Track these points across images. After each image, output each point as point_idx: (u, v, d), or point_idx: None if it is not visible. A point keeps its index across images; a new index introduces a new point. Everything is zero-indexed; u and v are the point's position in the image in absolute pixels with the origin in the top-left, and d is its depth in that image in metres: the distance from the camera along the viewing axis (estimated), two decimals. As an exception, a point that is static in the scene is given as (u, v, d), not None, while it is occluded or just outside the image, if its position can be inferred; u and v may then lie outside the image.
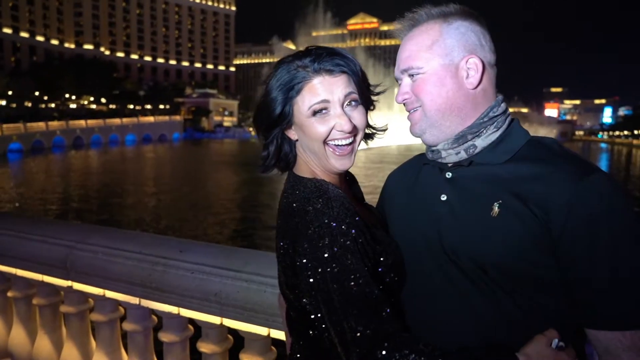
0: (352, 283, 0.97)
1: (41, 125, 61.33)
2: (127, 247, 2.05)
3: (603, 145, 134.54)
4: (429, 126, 1.15)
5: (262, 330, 1.77)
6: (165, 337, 2.07)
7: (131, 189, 26.36)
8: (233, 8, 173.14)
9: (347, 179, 1.31)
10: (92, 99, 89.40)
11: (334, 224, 1.02)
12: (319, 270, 0.99)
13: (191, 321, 2.06)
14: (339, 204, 1.06)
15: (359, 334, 0.94)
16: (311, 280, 1.00)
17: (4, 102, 70.77)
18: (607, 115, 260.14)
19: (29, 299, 2.58)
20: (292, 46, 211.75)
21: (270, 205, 18.91)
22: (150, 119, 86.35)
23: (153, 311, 2.14)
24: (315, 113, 1.11)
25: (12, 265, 2.40)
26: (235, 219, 17.83)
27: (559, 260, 0.99)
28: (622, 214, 0.97)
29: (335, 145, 1.14)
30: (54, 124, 64.83)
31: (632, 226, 0.97)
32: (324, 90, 1.10)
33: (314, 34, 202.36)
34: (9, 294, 2.60)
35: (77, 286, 2.23)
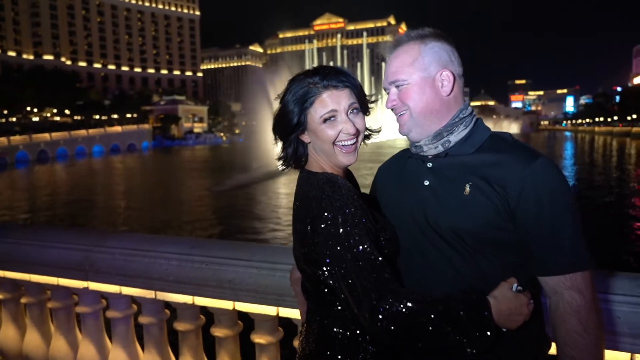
0: (362, 253, 1.22)
1: (2, 140, 59.60)
2: (142, 247, 2.26)
3: (567, 133, 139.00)
4: (414, 126, 1.43)
5: (272, 310, 2.02)
6: (180, 326, 2.29)
7: (100, 202, 25.98)
8: (197, 13, 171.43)
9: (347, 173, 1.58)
10: (55, 111, 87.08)
11: (345, 207, 1.27)
12: (336, 244, 1.24)
13: (203, 310, 2.29)
14: (346, 191, 1.32)
15: (370, 293, 1.19)
16: (328, 252, 1.25)
17: (-39, 118, 68.44)
18: (569, 105, 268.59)
19: (43, 303, 2.76)
20: (258, 49, 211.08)
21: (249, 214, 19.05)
22: (118, 128, 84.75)
23: (166, 305, 2.36)
24: (325, 120, 1.37)
25: (29, 271, 2.57)
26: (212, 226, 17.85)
27: (516, 225, 1.27)
28: (560, 189, 1.26)
29: (342, 145, 1.40)
30: (16, 139, 63.05)
31: (566, 198, 1.26)
32: (332, 102, 1.36)
33: (281, 35, 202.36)
34: (23, 300, 2.77)
35: (93, 286, 2.42)
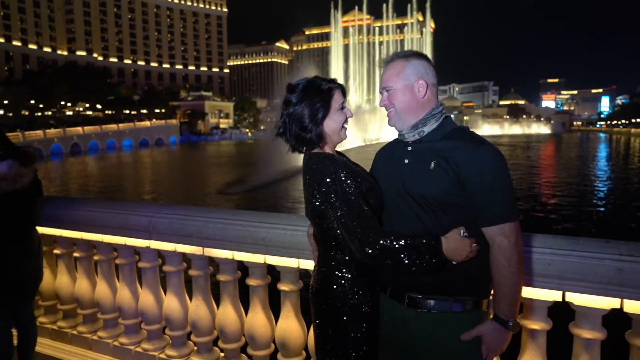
0: (353, 203, 1.79)
1: (39, 133, 62.09)
2: (195, 214, 2.89)
3: (602, 135, 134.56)
4: (398, 119, 2.00)
5: (294, 262, 2.61)
6: (222, 277, 2.91)
7: (130, 191, 27.15)
8: (225, 9, 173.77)
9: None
10: (87, 105, 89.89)
11: (339, 173, 1.84)
12: (334, 198, 1.81)
13: (240, 266, 2.90)
14: (340, 162, 1.90)
15: (359, 229, 1.75)
16: (329, 204, 1.83)
17: (0, 112, 71.29)
18: (604, 105, 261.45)
19: (111, 260, 3.43)
20: (285, 45, 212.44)
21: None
22: (147, 123, 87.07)
23: (211, 260, 2.98)
24: (340, 109, 1.98)
25: (103, 232, 3.23)
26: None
27: (466, 192, 1.79)
28: (495, 167, 1.78)
29: (344, 126, 2.02)
30: (52, 132, 65.60)
31: (499, 173, 1.78)
32: (341, 97, 1.98)
33: (307, 32, 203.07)
34: (95, 257, 3.44)
35: (154, 245, 3.06)
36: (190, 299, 3.14)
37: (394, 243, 1.70)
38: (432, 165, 1.84)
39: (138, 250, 3.23)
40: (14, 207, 2.92)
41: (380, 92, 2.06)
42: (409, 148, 1.99)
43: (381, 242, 1.71)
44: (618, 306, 1.90)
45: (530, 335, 2.16)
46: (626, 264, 1.82)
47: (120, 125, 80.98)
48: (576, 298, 1.98)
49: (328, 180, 1.83)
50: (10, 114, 70.90)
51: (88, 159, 57.41)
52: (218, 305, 3.04)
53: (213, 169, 38.71)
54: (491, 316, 1.83)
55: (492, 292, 1.89)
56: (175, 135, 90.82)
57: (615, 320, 2.03)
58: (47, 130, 64.83)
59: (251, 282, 2.83)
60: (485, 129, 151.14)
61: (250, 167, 32.24)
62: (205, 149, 73.17)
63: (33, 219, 3.16)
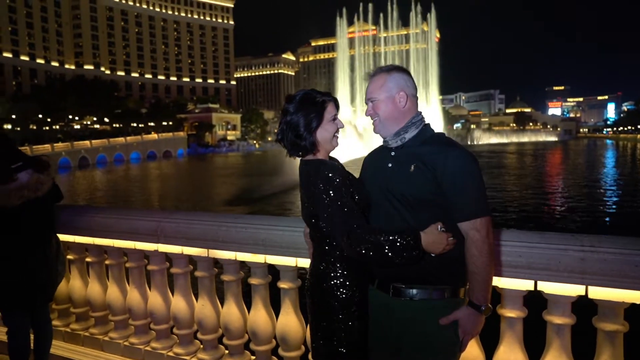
0: (341, 203, 1.99)
1: (47, 147, 62.81)
2: (200, 218, 3.11)
3: (608, 141, 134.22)
4: (382, 127, 2.21)
5: (292, 261, 2.82)
6: (226, 277, 3.12)
7: (139, 202, 27.50)
8: (231, 22, 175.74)
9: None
10: (95, 118, 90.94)
11: (331, 177, 2.04)
12: (325, 199, 2.01)
13: (243, 266, 3.10)
14: (332, 166, 2.10)
15: (347, 227, 1.95)
16: (321, 205, 2.03)
17: (9, 126, 72.31)
18: (610, 111, 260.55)
19: (121, 265, 3.64)
20: (291, 57, 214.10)
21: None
22: (154, 136, 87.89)
23: (215, 262, 3.19)
24: (332, 120, 2.18)
25: (115, 237, 3.45)
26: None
27: (442, 191, 1.99)
28: (467, 168, 1.97)
29: (336, 135, 2.21)
30: (59, 146, 66.43)
31: (471, 174, 1.97)
32: (334, 109, 2.19)
33: (313, 43, 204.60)
34: (106, 262, 3.66)
35: (162, 248, 3.28)
36: (197, 299, 3.35)
37: (379, 238, 1.90)
38: (412, 168, 2.05)
39: (147, 254, 3.44)
40: (35, 213, 3.15)
41: (366, 103, 2.28)
42: (392, 153, 2.20)
43: (367, 238, 1.91)
44: (583, 293, 2.09)
45: (507, 324, 2.34)
46: (587, 254, 2.01)
47: (128, 138, 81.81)
48: (546, 287, 2.16)
49: (320, 183, 2.03)
50: (19, 128, 71.87)
51: (96, 172, 58.02)
52: (222, 304, 3.24)
53: (221, 180, 39.11)
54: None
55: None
56: (183, 148, 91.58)
57: (584, 306, 2.21)
58: (55, 144, 65.70)
59: (253, 281, 3.03)
60: (491, 137, 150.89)
61: (257, 178, 32.57)
62: (212, 160, 73.74)
63: (53, 224, 3.39)
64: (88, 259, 3.81)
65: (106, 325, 3.82)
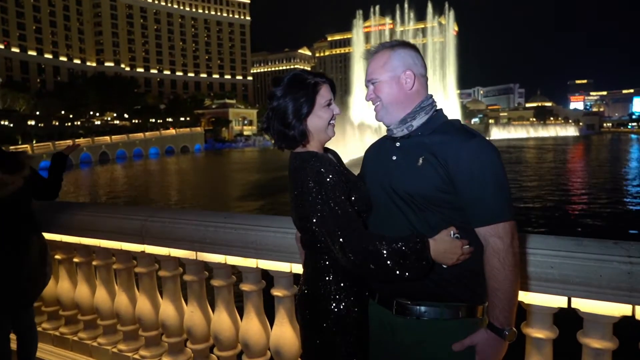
0: (336, 204, 1.67)
1: (68, 142, 63.36)
2: (187, 217, 2.81)
3: (633, 136, 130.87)
4: (385, 113, 1.87)
5: (286, 267, 2.50)
6: (216, 282, 2.81)
7: (155, 198, 27.60)
8: (248, 18, 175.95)
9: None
10: (115, 114, 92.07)
11: (323, 173, 1.72)
12: (317, 199, 1.69)
13: (234, 270, 2.80)
14: (325, 160, 1.78)
15: (341, 233, 1.63)
16: (312, 206, 1.70)
17: (32, 122, 73.52)
18: (636, 105, 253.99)
19: (109, 265, 3.37)
20: (307, 52, 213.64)
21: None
22: (172, 131, 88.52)
23: (205, 265, 2.89)
24: (326, 105, 1.86)
25: (98, 237, 3.19)
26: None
27: (455, 189, 1.65)
28: (486, 160, 1.63)
29: (332, 123, 1.90)
30: (81, 141, 67.09)
31: (491, 167, 1.62)
32: (329, 93, 1.87)
33: (329, 38, 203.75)
34: (94, 263, 3.40)
35: (149, 249, 2.99)
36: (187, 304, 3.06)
37: (378, 247, 1.57)
38: (420, 161, 1.71)
39: (134, 255, 3.17)
40: (6, 214, 2.89)
41: (366, 86, 1.94)
42: (397, 144, 1.86)
43: (364, 246, 1.58)
44: (630, 313, 1.72)
45: (534, 345, 1.98)
46: (637, 267, 1.64)
47: (147, 133, 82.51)
48: (583, 304, 1.80)
49: (310, 180, 1.72)
50: (42, 125, 73.01)
51: (116, 166, 58.69)
52: (214, 311, 2.95)
53: (237, 175, 39.00)
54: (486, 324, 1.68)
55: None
56: (200, 143, 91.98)
57: (628, 328, 1.84)
58: (77, 140, 66.37)
59: (245, 287, 2.73)
60: (510, 132, 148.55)
61: (272, 173, 32.40)
62: (229, 155, 73.94)
63: (33, 224, 3.13)
64: (76, 259, 3.55)
65: (95, 329, 3.56)
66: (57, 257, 3.64)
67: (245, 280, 2.74)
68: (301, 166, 1.79)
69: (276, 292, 2.63)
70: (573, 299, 1.85)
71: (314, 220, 1.71)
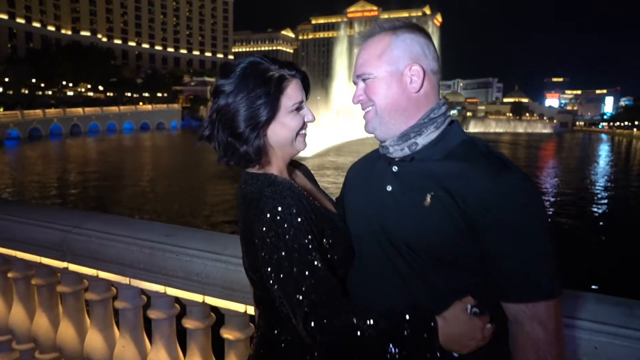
0: (300, 257, 1.14)
1: (38, 112, 61.21)
2: (118, 232, 2.22)
3: (604, 136, 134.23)
4: (379, 124, 1.33)
5: (240, 307, 1.95)
6: (153, 314, 2.25)
7: (127, 175, 26.62)
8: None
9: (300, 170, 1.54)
10: (89, 86, 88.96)
11: (283, 209, 1.18)
12: (274, 247, 1.16)
13: (178, 299, 2.24)
14: (286, 189, 1.23)
15: (305, 300, 1.11)
16: (267, 255, 1.17)
17: (0, 89, 70.38)
18: (608, 106, 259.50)
19: (28, 279, 2.76)
20: (290, 34, 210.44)
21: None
22: (148, 107, 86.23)
23: (143, 290, 2.32)
24: (295, 109, 1.34)
25: (12, 247, 2.57)
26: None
27: (476, 244, 1.15)
28: (528, 205, 1.12)
29: (302, 133, 1.38)
30: (52, 112, 64.73)
31: (535, 216, 1.12)
32: (299, 92, 1.35)
33: (313, 21, 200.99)
34: (10, 274, 2.78)
35: (73, 267, 2.40)
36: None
37: (359, 326, 1.08)
38: (428, 199, 1.19)
39: (56, 271, 2.57)
40: None
41: (354, 82, 1.39)
42: (394, 168, 1.31)
43: (338, 324, 1.09)
44: None
45: None
46: None
47: (122, 107, 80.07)
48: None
49: (264, 221, 1.18)
50: (11, 92, 69.90)
51: (88, 140, 56.78)
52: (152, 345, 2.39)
53: (213, 154, 37.97)
54: None
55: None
56: (177, 120, 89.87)
57: None
58: (47, 110, 63.86)
59: (188, 324, 2.17)
60: (486, 127, 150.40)
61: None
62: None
63: None
64: (-9, 268, 2.93)
65: (10, 353, 2.96)
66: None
67: (189, 314, 2.18)
68: (254, 196, 1.25)
69: (226, 335, 2.08)
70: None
71: (270, 282, 1.18)
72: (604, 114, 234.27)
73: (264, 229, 1.18)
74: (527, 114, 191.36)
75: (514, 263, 1.12)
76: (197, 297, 2.05)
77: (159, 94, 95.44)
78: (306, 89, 1.40)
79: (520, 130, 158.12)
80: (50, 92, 79.73)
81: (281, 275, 1.15)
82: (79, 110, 70.10)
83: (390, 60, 1.28)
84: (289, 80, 1.32)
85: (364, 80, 1.33)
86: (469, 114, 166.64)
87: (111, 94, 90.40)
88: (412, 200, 1.22)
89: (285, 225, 1.16)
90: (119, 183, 24.38)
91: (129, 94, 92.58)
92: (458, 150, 1.25)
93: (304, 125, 1.38)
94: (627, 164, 46.90)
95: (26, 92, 73.95)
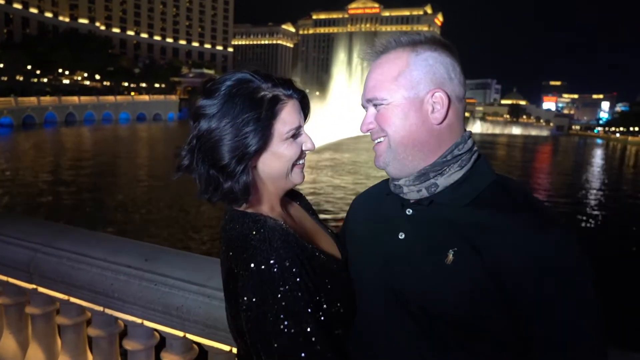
0: (290, 326, 0.96)
1: (33, 100, 60.54)
2: (92, 254, 2.00)
3: (599, 140, 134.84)
4: (392, 159, 1.10)
5: (225, 347, 1.74)
6: (129, 345, 2.03)
7: (122, 167, 26.30)
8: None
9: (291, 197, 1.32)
10: (86, 75, 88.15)
11: (273, 264, 1.00)
12: (259, 315, 0.97)
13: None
14: (277, 238, 1.04)
15: None
16: (252, 320, 0.99)
17: (-6, 74, 69.60)
18: (604, 111, 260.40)
19: (-5, 297, 2.53)
20: (291, 28, 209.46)
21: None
22: (145, 97, 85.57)
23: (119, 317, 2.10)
24: (290, 137, 1.15)
25: (-23, 264, 2.34)
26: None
27: (509, 313, 0.96)
28: (575, 270, 0.94)
29: (300, 163, 1.19)
30: (46, 100, 64.04)
31: (583, 283, 0.94)
32: (297, 115, 1.16)
33: (314, 16, 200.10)
34: (-25, 291, 2.55)
35: (42, 289, 2.18)
36: (96, 360, 2.27)
37: None
38: (451, 256, 1.00)
39: (26, 290, 2.34)
40: None
41: (363, 106, 1.16)
42: (409, 211, 1.09)
43: None
44: None
45: None
46: None
47: (118, 97, 79.40)
48: None
49: (251, 277, 1.01)
50: (5, 78, 69.11)
51: (83, 129, 56.23)
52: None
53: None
54: None
55: None
56: (174, 112, 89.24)
57: None
58: (42, 98, 63.17)
59: (167, 357, 1.95)
60: (483, 128, 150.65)
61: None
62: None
63: None
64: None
65: (-23, 374, 2.73)
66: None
67: (169, 347, 1.96)
68: (238, 243, 1.06)
69: (209, 374, 1.87)
70: None
71: (257, 345, 1.01)
72: (600, 118, 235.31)
73: (250, 289, 0.99)
74: (525, 116, 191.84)
75: (556, 335, 0.93)
76: (178, 332, 1.84)
77: (157, 85, 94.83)
78: (305, 110, 1.19)
79: (517, 132, 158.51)
80: (45, 80, 78.95)
81: (268, 340, 0.97)
82: (75, 98, 69.40)
83: (408, 84, 1.07)
84: (284, 102, 1.10)
85: (375, 105, 1.11)
86: (467, 114, 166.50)
87: (108, 84, 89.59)
88: (430, 255, 1.02)
89: (275, 286, 0.97)
90: (114, 174, 24.10)
91: (126, 84, 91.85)
92: (487, 195, 1.04)
93: (301, 155, 1.17)
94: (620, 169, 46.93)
95: (21, 78, 73.19)
